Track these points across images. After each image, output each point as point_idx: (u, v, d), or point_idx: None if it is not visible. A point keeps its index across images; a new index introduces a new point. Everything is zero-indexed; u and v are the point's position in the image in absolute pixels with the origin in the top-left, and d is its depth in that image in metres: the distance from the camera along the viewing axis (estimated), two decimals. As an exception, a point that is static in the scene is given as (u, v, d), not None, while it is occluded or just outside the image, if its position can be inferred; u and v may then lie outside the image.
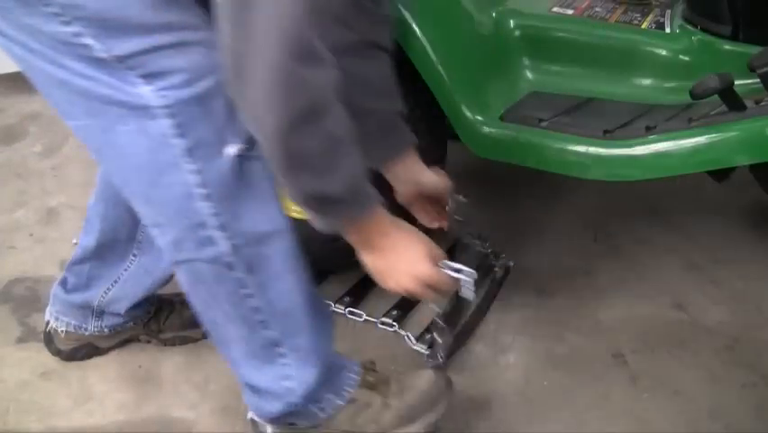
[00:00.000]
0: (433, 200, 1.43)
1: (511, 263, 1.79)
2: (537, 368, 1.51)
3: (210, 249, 1.12)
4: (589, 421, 1.39)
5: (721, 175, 1.54)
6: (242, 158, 1.08)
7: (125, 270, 1.46)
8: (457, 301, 1.58)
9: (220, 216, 1.10)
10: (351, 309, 1.66)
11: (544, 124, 1.46)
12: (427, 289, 1.20)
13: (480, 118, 1.49)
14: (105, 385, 1.52)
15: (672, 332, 1.59)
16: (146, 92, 1.02)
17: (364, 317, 1.65)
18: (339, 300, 1.68)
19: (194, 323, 1.56)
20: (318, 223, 1.11)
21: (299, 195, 1.05)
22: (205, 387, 1.48)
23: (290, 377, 1.22)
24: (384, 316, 1.63)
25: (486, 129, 1.49)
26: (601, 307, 1.67)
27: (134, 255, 1.45)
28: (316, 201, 1.06)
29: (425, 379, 1.33)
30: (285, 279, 1.17)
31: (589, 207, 2.01)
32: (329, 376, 1.26)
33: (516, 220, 1.98)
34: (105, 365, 1.56)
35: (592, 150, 1.41)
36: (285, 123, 0.96)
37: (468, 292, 1.27)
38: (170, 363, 1.54)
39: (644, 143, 1.38)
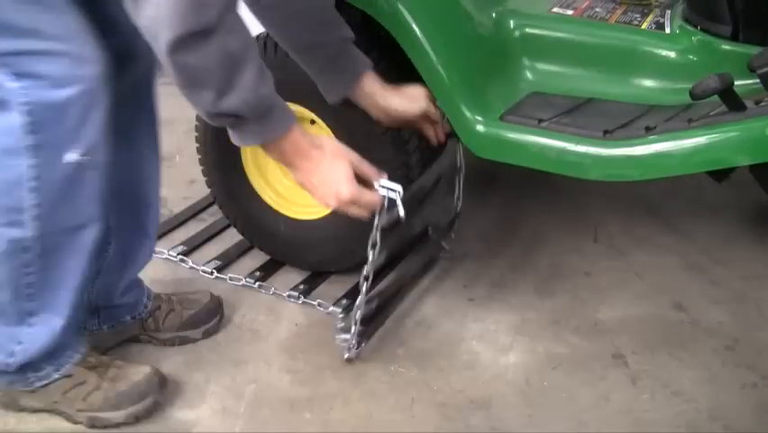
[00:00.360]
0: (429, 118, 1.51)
1: (446, 246, 1.81)
2: (537, 368, 1.52)
3: (16, 231, 1.22)
4: (589, 421, 1.39)
5: (721, 175, 1.54)
6: (78, 164, 1.21)
7: (104, 259, 1.47)
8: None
9: (40, 207, 1.21)
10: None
11: (543, 124, 1.46)
12: (352, 207, 1.30)
13: (479, 118, 1.49)
14: (105, 385, 1.52)
15: (672, 332, 1.59)
16: (13, 87, 1.14)
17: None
18: (336, 303, 1.68)
19: (193, 323, 1.57)
20: (235, 140, 1.21)
21: (203, 112, 1.17)
22: (205, 387, 1.49)
23: (22, 343, 1.31)
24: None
25: (486, 129, 1.48)
26: (601, 307, 1.67)
27: (108, 243, 1.46)
28: (221, 118, 1.17)
29: (140, 373, 1.41)
30: (71, 264, 1.29)
31: (589, 207, 2.01)
32: (55, 351, 1.34)
33: (516, 220, 1.98)
34: (105, 365, 1.57)
35: (592, 150, 1.41)
36: (179, 38, 1.05)
37: (396, 211, 1.35)
38: (170, 363, 1.54)
39: (643, 144, 1.37)
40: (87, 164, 1.22)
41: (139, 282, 1.56)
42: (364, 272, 1.46)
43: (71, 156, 1.19)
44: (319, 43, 1.40)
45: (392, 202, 1.34)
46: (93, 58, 1.19)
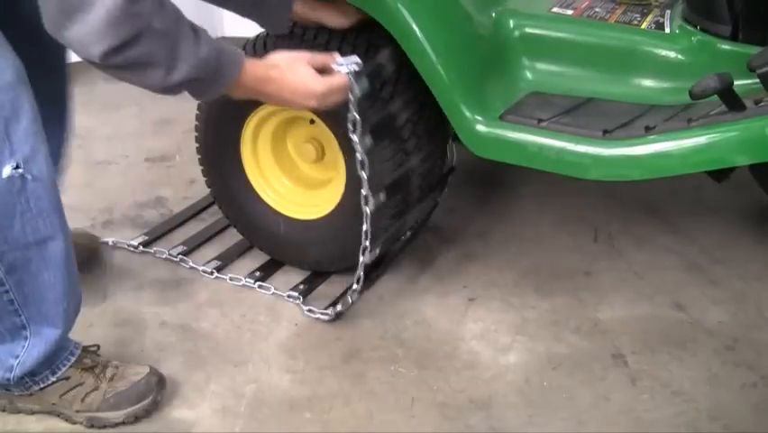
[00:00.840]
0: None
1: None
2: (537, 368, 1.52)
3: None
4: (588, 421, 1.39)
5: (721, 175, 1.54)
6: (18, 178, 1.19)
7: None
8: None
9: None
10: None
11: (543, 124, 1.46)
12: (330, 97, 1.34)
13: (479, 118, 1.49)
14: (104, 385, 1.52)
15: (672, 332, 1.59)
16: None
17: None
18: (294, 288, 1.70)
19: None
20: (197, 98, 1.26)
21: (161, 89, 1.18)
22: (206, 387, 1.49)
23: (19, 357, 1.32)
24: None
25: (485, 129, 1.49)
26: (601, 307, 1.67)
27: None
28: (181, 88, 1.20)
29: (139, 373, 1.41)
30: (46, 277, 1.28)
31: (589, 207, 2.01)
32: (50, 356, 1.34)
33: (516, 220, 1.98)
34: (105, 365, 1.57)
35: (592, 150, 1.41)
36: (111, 48, 1.07)
37: (361, 83, 1.41)
38: (170, 363, 1.54)
39: (643, 143, 1.38)
40: (26, 174, 1.20)
41: None
42: (359, 157, 1.47)
43: (4, 170, 1.18)
44: None
45: (357, 73, 1.38)
46: (4, 66, 1.17)
